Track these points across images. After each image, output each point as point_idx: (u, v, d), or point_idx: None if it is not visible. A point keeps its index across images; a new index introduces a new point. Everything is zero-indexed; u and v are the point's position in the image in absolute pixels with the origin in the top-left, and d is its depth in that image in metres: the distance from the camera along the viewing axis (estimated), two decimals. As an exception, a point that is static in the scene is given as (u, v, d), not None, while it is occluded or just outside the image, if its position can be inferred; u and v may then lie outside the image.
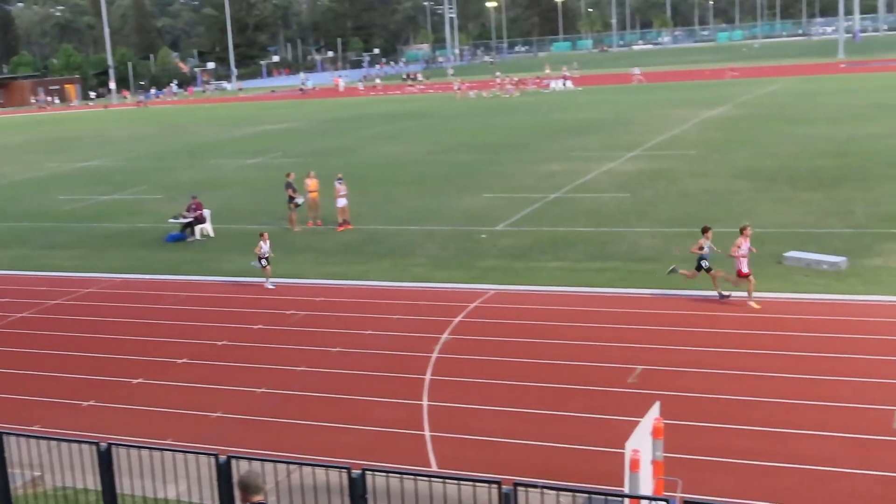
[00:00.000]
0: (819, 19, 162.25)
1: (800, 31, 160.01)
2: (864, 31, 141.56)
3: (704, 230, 20.37)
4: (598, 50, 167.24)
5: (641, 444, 10.41)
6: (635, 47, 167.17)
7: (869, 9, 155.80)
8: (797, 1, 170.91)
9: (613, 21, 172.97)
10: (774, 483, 12.08)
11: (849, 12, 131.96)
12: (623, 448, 10.11)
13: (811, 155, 38.13)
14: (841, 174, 33.37)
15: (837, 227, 25.68)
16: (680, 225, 27.17)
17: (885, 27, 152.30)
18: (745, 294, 19.70)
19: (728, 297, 20.11)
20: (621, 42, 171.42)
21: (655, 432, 10.85)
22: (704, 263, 20.18)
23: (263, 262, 23.19)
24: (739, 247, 19.53)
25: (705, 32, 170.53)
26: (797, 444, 13.13)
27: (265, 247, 23.10)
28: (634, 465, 10.02)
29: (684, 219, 28.10)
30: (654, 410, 11.00)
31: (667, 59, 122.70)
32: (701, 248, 20.12)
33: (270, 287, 23.25)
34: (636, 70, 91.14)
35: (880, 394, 14.57)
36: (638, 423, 10.74)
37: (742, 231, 19.85)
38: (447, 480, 9.14)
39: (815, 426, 13.63)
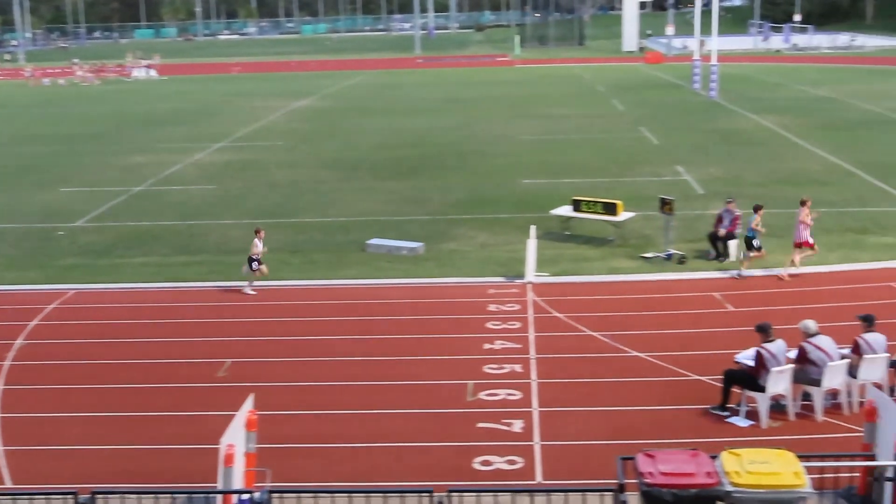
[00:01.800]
0: (398, 16, 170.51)
1: (380, 27, 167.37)
2: (438, 28, 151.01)
3: (756, 208, 21.07)
4: (182, 39, 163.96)
5: (236, 438, 10.40)
6: (221, 37, 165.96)
7: (442, 7, 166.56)
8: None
9: (198, 9, 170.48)
10: (360, 463, 12.60)
11: (424, 10, 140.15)
12: (218, 444, 10.03)
13: (392, 146, 40.07)
14: (419, 164, 35.40)
15: (415, 215, 27.23)
16: (269, 216, 27.41)
17: (457, 25, 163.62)
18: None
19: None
20: (207, 31, 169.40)
21: (249, 424, 10.89)
22: (756, 243, 20.81)
23: (255, 263, 20.30)
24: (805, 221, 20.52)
25: (291, 24, 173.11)
26: (381, 423, 13.79)
27: (260, 245, 20.27)
28: (228, 459, 9.99)
29: (273, 209, 28.41)
30: (248, 403, 11.04)
31: (253, 49, 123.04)
32: (756, 226, 20.77)
33: (252, 293, 20.34)
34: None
35: (456, 370, 15.68)
36: (232, 417, 10.71)
37: (804, 203, 20.77)
38: (18, 497, 8.55)
39: (397, 405, 14.39)
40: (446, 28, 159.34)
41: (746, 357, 14.04)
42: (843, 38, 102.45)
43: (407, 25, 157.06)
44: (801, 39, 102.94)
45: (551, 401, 14.36)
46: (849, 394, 13.84)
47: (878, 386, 13.61)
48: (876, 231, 24.16)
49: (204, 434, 12.97)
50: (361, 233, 24.87)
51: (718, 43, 56.18)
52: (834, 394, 13.93)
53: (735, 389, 13.82)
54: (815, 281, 20.39)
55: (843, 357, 13.84)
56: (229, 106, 57.43)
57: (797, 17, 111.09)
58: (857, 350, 13.90)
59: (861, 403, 13.36)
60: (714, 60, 54.36)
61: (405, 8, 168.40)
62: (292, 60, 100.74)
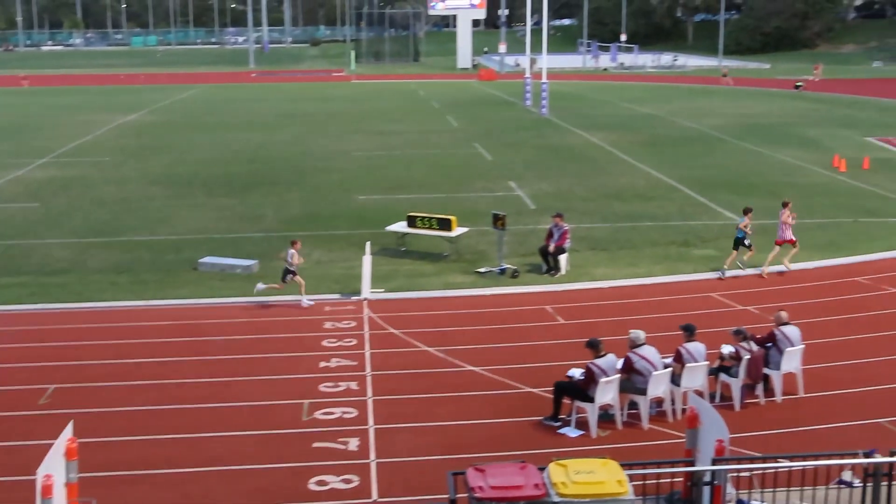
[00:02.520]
0: (231, 29, 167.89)
1: (213, 40, 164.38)
2: (272, 42, 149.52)
3: (746, 211, 22.53)
4: (2, 49, 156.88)
5: (54, 467, 9.96)
6: (44, 48, 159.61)
7: (277, 21, 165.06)
8: (209, 10, 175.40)
9: (19, 19, 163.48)
10: (191, 489, 12.28)
11: (258, 24, 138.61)
12: (35, 475, 9.58)
13: (225, 161, 39.38)
14: (253, 180, 34.91)
15: (250, 232, 26.84)
16: (95, 234, 26.50)
17: (290, 39, 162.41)
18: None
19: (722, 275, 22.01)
20: (28, 42, 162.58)
21: (69, 453, 10.44)
22: (747, 241, 22.28)
23: (289, 276, 19.93)
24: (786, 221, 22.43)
25: (119, 36, 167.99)
26: (213, 447, 13.49)
27: (296, 256, 20.03)
28: (46, 491, 9.55)
29: (99, 227, 27.47)
30: (68, 431, 10.59)
31: (78, 61, 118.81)
32: (745, 227, 22.25)
33: (309, 304, 20.06)
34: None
35: (291, 389, 15.51)
36: (52, 445, 10.25)
37: (785, 205, 22.74)
38: None
39: (230, 427, 14.11)
40: (281, 42, 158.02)
41: (578, 373, 14.42)
42: (666, 58, 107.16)
43: (240, 39, 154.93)
44: (627, 58, 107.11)
45: (387, 417, 14.38)
46: (672, 401, 14.40)
47: (699, 393, 14.22)
48: (697, 243, 25.26)
49: (23, 465, 12.38)
50: (193, 251, 24.32)
51: (549, 61, 57.77)
52: (659, 402, 14.46)
53: (566, 400, 14.17)
54: (642, 292, 21.16)
55: (666, 366, 14.40)
56: (53, 120, 55.20)
57: (623, 37, 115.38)
58: (679, 359, 14.49)
59: (683, 410, 13.91)
60: (544, 78, 55.80)
61: (238, 21, 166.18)
62: (121, 73, 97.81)
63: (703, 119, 53.39)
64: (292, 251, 20.11)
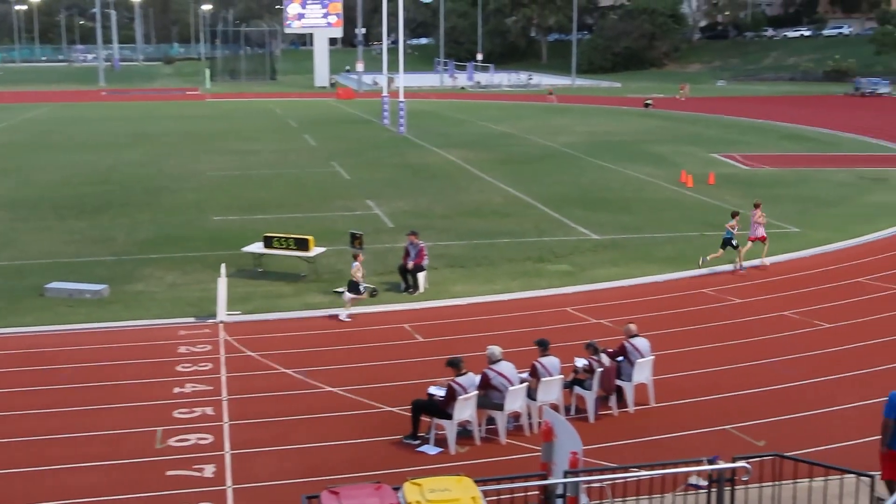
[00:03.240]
0: (79, 46, 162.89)
1: (61, 57, 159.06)
2: (123, 59, 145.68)
3: (734, 214, 24.94)
4: None
5: None
6: None
7: (128, 38, 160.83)
8: (56, 26, 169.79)
9: None
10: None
11: (108, 41, 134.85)
12: None
13: (75, 182, 38.15)
14: (104, 201, 33.90)
15: (100, 255, 26.03)
16: (-68, 261, 25.26)
17: (142, 57, 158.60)
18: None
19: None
20: None
21: None
22: (734, 242, 24.52)
23: (362, 287, 20.82)
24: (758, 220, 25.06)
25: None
26: (62, 479, 13.01)
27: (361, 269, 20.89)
28: None
29: (-63, 254, 26.21)
30: None
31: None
32: (733, 227, 24.48)
33: (347, 319, 20.54)
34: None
35: (145, 416, 15.10)
36: None
37: (757, 206, 25.32)
38: None
39: (80, 458, 13.63)
40: (132, 60, 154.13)
41: (439, 390, 14.51)
42: (521, 77, 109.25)
43: (90, 56, 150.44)
44: (483, 77, 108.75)
45: (244, 442, 14.16)
46: (529, 416, 14.66)
47: (555, 407, 14.52)
48: (552, 259, 25.80)
49: None
50: (40, 276, 23.43)
51: (406, 80, 58.18)
52: (516, 417, 14.69)
53: (424, 418, 14.24)
54: (499, 308, 21.46)
55: (522, 381, 14.65)
56: None
57: (479, 56, 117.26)
58: (534, 374, 14.76)
59: (539, 424, 14.17)
60: (402, 97, 56.13)
61: (87, 38, 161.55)
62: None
63: (557, 137, 54.65)
64: (357, 264, 20.85)
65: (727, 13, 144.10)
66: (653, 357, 15.80)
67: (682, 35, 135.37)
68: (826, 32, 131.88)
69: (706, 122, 65.68)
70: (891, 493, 11.40)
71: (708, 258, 24.58)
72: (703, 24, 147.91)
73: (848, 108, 78.53)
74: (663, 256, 26.03)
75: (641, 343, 15.79)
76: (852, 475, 11.57)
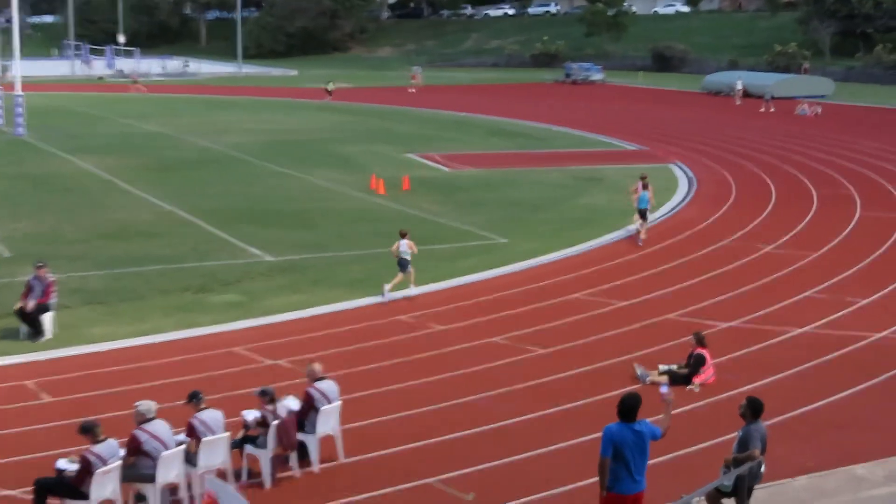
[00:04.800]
0: None
1: None
2: None
3: (645, 185, 31.10)
4: None
5: None
6: None
7: None
8: None
9: None
10: None
11: None
12: None
13: None
14: None
15: None
16: None
17: None
18: None
19: None
20: None
21: None
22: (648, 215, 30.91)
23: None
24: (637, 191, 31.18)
25: None
26: None
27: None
28: None
29: None
30: None
31: None
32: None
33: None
34: None
35: None
36: None
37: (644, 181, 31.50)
38: None
39: None
40: None
41: (70, 464, 13.80)
42: (175, 64, 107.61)
43: None
44: (127, 64, 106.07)
45: None
46: (189, 486, 14.27)
47: (221, 473, 14.24)
48: (217, 288, 25.45)
49: None
50: None
51: (25, 68, 55.71)
52: (173, 489, 14.26)
53: (54, 501, 13.56)
54: (151, 354, 20.86)
55: (179, 443, 14.24)
56: None
57: (121, 39, 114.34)
58: (192, 433, 14.40)
59: (202, 496, 13.84)
60: (19, 90, 53.69)
61: None
62: None
63: (223, 137, 54.24)
64: (406, 241, 24.89)
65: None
66: (340, 402, 15.86)
67: (369, 13, 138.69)
68: (532, 11, 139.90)
69: (399, 115, 67.49)
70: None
71: (642, 234, 30.46)
72: (392, 0, 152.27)
73: (559, 97, 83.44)
74: (352, 279, 26.37)
75: (328, 386, 15.80)
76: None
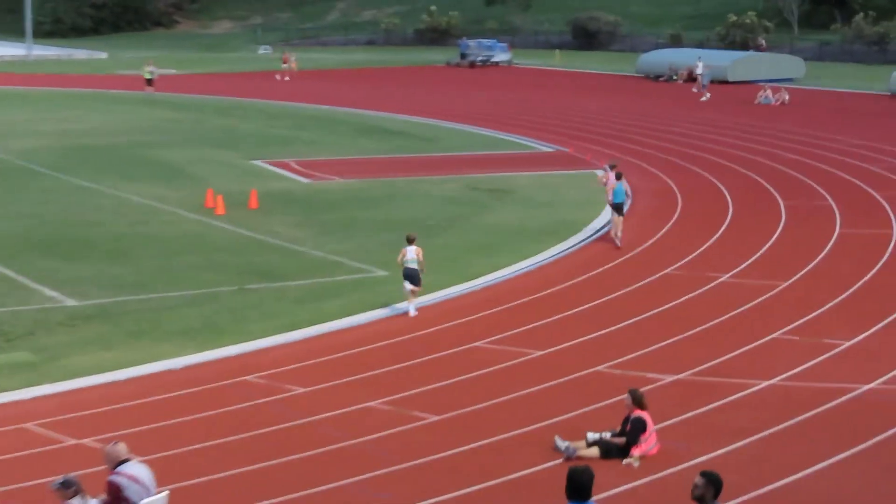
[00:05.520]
0: None
1: None
2: None
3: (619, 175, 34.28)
4: None
5: None
6: None
7: None
8: None
9: None
10: None
11: None
12: None
13: None
14: None
15: None
16: None
17: None
18: None
19: None
20: None
21: None
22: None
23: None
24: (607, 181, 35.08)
25: None
26: None
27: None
28: None
29: None
30: None
31: None
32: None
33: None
34: None
35: None
36: None
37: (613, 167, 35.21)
38: None
39: None
40: None
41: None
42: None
43: None
44: None
45: None
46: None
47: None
48: (0, 345, 24.97)
49: None
50: None
51: None
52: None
53: None
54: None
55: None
56: None
57: None
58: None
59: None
60: None
61: None
62: None
63: (6, 141, 53.49)
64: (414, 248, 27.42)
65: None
66: (167, 492, 15.58)
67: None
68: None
69: (243, 110, 67.36)
70: None
71: (618, 233, 33.31)
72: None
73: (453, 84, 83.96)
74: (183, 328, 26.12)
75: (139, 471, 15.39)
76: None
